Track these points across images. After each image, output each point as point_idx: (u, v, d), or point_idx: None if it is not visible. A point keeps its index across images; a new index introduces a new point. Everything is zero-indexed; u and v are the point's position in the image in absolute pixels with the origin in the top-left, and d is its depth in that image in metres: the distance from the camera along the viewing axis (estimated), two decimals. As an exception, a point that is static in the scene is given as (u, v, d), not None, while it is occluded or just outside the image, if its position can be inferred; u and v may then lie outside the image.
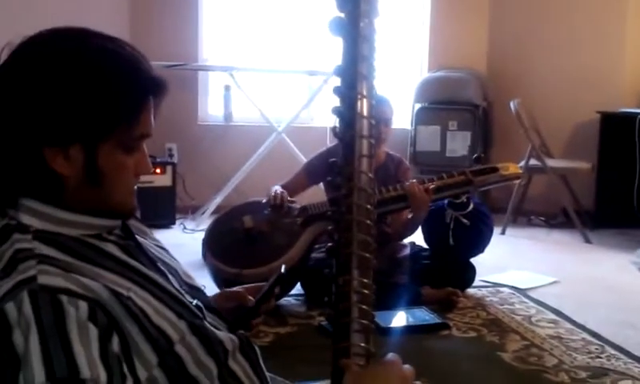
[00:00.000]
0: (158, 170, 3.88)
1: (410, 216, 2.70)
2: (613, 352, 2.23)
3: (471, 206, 2.83)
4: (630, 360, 2.16)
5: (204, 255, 2.53)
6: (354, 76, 1.18)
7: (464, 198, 2.78)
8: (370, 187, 1.17)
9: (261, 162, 4.11)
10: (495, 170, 2.80)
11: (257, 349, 1.11)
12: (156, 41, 4.22)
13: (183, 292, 1.03)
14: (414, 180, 2.65)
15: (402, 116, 4.72)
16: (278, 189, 2.66)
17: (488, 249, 3.00)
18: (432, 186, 2.60)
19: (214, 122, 4.57)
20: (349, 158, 1.17)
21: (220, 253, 2.45)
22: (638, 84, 4.55)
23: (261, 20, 4.62)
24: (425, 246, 2.94)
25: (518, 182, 3.05)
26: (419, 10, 4.86)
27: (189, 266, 3.03)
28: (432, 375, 1.95)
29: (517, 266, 3.37)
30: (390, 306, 2.50)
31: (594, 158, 4.38)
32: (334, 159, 1.18)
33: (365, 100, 1.18)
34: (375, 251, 1.14)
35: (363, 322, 1.06)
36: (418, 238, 2.95)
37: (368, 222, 1.14)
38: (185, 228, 3.96)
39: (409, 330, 2.35)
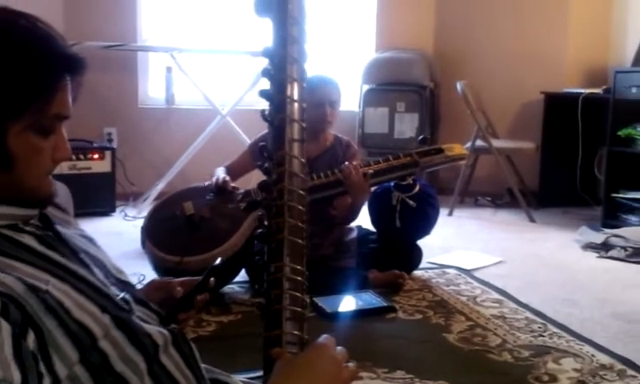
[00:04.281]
0: (96, 156, 3.75)
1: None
2: (555, 330, 2.25)
3: (417, 188, 2.82)
4: (571, 338, 2.18)
5: (143, 243, 2.45)
6: (283, 58, 1.13)
7: (410, 180, 2.77)
8: (302, 172, 1.13)
9: (205, 146, 4.02)
10: (441, 151, 2.80)
11: (191, 343, 1.07)
12: (92, 20, 4.07)
13: (109, 284, 0.98)
14: (355, 163, 2.62)
15: (350, 98, 4.70)
16: (220, 173, 2.59)
17: (435, 230, 3.01)
18: (371, 170, 2.58)
19: (156, 104, 4.44)
20: (279, 143, 1.13)
21: (160, 241, 2.37)
22: (580, 64, 4.63)
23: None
24: (372, 228, 2.93)
25: (463, 162, 3.07)
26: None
27: (129, 254, 2.96)
28: (377, 359, 1.94)
29: (463, 246, 3.39)
30: (336, 290, 2.48)
31: (539, 138, 4.44)
32: (263, 143, 1.13)
33: (295, 83, 1.14)
34: (308, 237, 1.11)
35: (295, 309, 1.02)
36: (365, 220, 2.93)
37: (300, 207, 1.10)
38: (126, 215, 3.84)
39: (355, 314, 2.33)
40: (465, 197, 4.53)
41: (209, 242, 2.29)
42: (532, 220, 4.04)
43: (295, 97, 1.15)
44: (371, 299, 2.43)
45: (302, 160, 1.14)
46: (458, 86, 4.22)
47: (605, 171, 3.96)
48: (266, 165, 1.11)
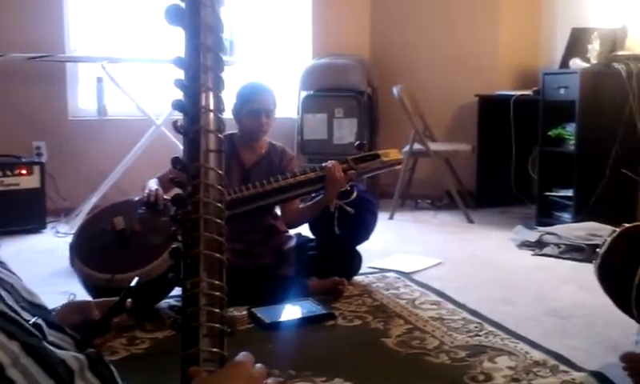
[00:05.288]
0: (23, 171, 3.62)
1: (301, 205, 2.68)
2: (491, 329, 2.28)
3: (355, 194, 2.83)
4: (506, 336, 2.22)
5: (72, 261, 2.36)
6: (197, 68, 1.10)
7: (348, 186, 2.77)
8: (219, 184, 1.10)
9: (140, 157, 3.93)
10: (376, 156, 2.81)
11: (110, 366, 1.03)
12: (17, 31, 3.92)
13: (19, 309, 0.93)
14: (334, 161, 2.65)
15: (288, 105, 4.69)
16: (153, 185, 2.53)
17: (375, 234, 3.02)
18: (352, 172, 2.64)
19: (87, 116, 4.32)
20: (194, 154, 1.10)
21: (89, 258, 2.29)
22: (511, 67, 4.76)
23: (133, 8, 4.41)
24: (311, 236, 2.92)
25: (399, 167, 3.09)
26: (302, -2, 4.83)
27: (60, 272, 2.86)
28: (316, 368, 1.93)
29: (404, 250, 3.42)
30: (276, 299, 2.45)
31: (475, 140, 4.54)
32: (175, 156, 1.10)
33: (211, 92, 1.11)
34: (227, 250, 1.08)
35: (213, 325, 0.99)
36: (304, 228, 2.92)
37: (217, 220, 1.07)
38: (57, 232, 3.72)
39: (294, 323, 2.31)
40: (405, 200, 4.58)
41: (141, 258, 2.23)
42: (470, 221, 4.11)
43: (211, 107, 1.12)
44: (311, 307, 2.41)
45: (220, 171, 1.12)
46: (395, 91, 4.26)
47: (537, 171, 4.07)
48: (178, 178, 1.07)
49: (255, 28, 4.73)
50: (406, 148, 4.25)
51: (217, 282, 1.04)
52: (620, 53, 3.85)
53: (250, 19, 4.70)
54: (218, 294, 1.03)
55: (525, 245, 3.49)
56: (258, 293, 2.46)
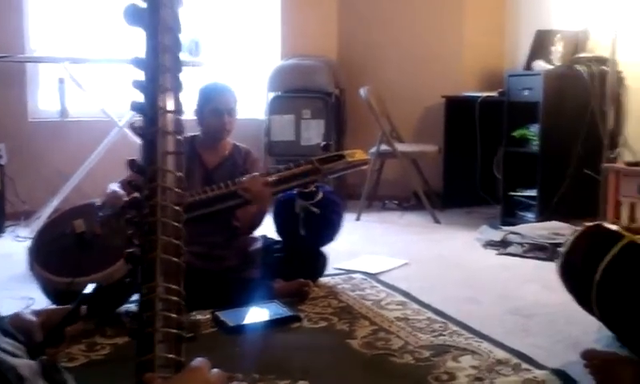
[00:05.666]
0: (-18, 174, 3.53)
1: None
2: (455, 328, 2.30)
3: (320, 195, 2.82)
4: (470, 335, 2.24)
5: (30, 265, 2.31)
6: (155, 68, 1.08)
7: (313, 187, 2.77)
8: (177, 186, 1.09)
9: (102, 160, 3.86)
10: (342, 157, 2.81)
11: (65, 372, 1.01)
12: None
13: (-29, 318, 0.91)
14: (256, 171, 2.60)
15: (256, 106, 4.67)
16: (115, 188, 2.49)
17: (342, 236, 3.02)
18: (273, 178, 2.56)
19: (48, 117, 4.21)
20: (151, 157, 1.08)
21: (49, 262, 2.24)
22: (477, 69, 4.81)
23: (96, 7, 4.33)
24: (277, 237, 2.90)
25: (365, 167, 3.10)
26: (269, -1, 4.81)
27: (19, 277, 2.79)
28: (280, 371, 1.92)
29: (371, 250, 3.43)
30: (241, 302, 2.43)
31: (441, 141, 4.57)
32: (132, 158, 1.08)
33: (169, 93, 1.10)
34: (187, 254, 1.07)
35: (169, 330, 0.98)
36: (269, 230, 2.90)
37: (175, 223, 1.06)
38: (17, 236, 3.63)
39: (259, 326, 2.29)
40: (373, 201, 4.60)
41: (102, 261, 2.19)
42: (437, 221, 4.14)
43: (169, 108, 1.10)
44: (276, 310, 2.40)
45: (178, 174, 1.10)
46: (362, 92, 4.27)
47: (502, 171, 4.13)
48: (135, 181, 1.06)
49: (222, 29, 4.70)
50: (373, 149, 4.26)
51: (174, 287, 1.02)
52: (582, 55, 3.93)
53: (217, 20, 4.67)
54: (175, 298, 1.02)
55: (490, 244, 3.53)
56: (223, 296, 2.44)
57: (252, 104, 4.64)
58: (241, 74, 4.68)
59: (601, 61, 3.83)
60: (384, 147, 4.26)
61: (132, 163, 1.07)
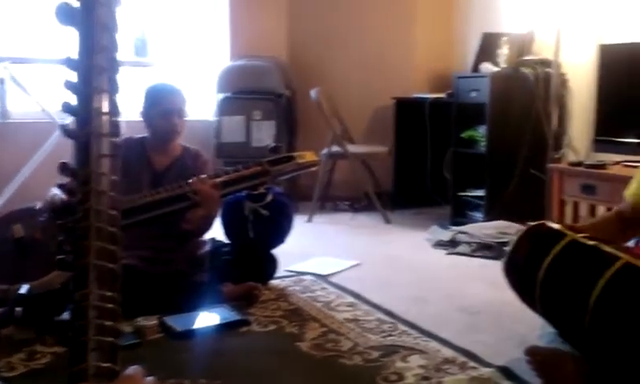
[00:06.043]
0: None
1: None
2: (404, 328, 2.32)
3: (270, 197, 2.81)
4: (419, 335, 2.25)
5: (-35, 273, 2.22)
6: (88, 69, 1.05)
7: (262, 189, 2.75)
8: (112, 190, 1.06)
9: (45, 162, 3.74)
10: (291, 158, 2.79)
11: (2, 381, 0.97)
12: None
13: None
14: (204, 174, 2.56)
15: (205, 107, 4.61)
16: (56, 191, 2.42)
17: (293, 238, 3.01)
18: (221, 180, 2.53)
19: (-12, 119, 4.08)
20: (84, 160, 1.05)
21: (-15, 268, 2.17)
22: (426, 71, 4.87)
23: (37, 6, 4.20)
24: (225, 240, 2.87)
25: (316, 169, 3.09)
26: (218, -1, 4.76)
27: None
28: (227, 376, 1.89)
29: (322, 252, 3.42)
30: (190, 307, 2.39)
31: (392, 142, 4.61)
32: (64, 161, 1.05)
33: (104, 94, 1.07)
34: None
35: (103, 339, 0.95)
36: (218, 232, 2.87)
37: (110, 228, 1.03)
38: (-45, 242, 3.49)
39: (207, 330, 2.26)
40: (324, 202, 4.60)
41: (42, 267, 2.12)
42: (387, 222, 4.17)
43: (104, 109, 1.07)
44: (225, 314, 2.37)
45: (113, 177, 1.07)
46: (313, 93, 4.27)
47: (451, 172, 4.18)
48: (68, 185, 1.03)
49: (170, 28, 4.63)
50: (325, 150, 4.27)
51: (108, 294, 0.99)
52: (527, 57, 4.01)
53: (166, 19, 4.59)
54: (109, 305, 0.99)
55: (439, 244, 3.57)
56: (171, 300, 2.40)
57: (201, 105, 4.58)
58: (189, 74, 4.62)
59: (545, 63, 3.92)
60: (335, 148, 4.27)
61: (63, 166, 1.04)
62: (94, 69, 1.08)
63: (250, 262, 2.74)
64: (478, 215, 3.94)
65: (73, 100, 1.08)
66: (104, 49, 1.08)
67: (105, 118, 1.08)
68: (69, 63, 1.07)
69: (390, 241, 3.76)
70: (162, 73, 4.38)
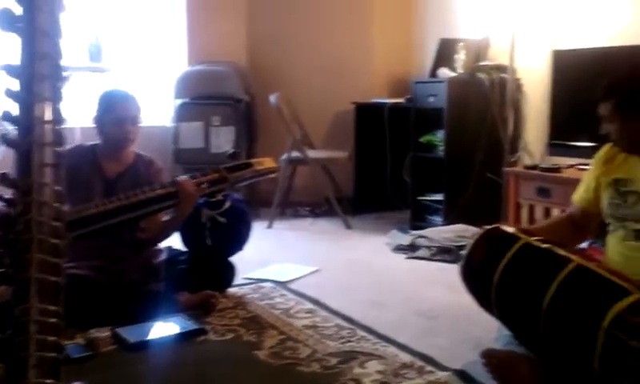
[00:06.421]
0: None
1: (165, 218, 2.58)
2: (363, 334, 2.31)
3: (228, 204, 2.78)
4: (377, 340, 2.26)
5: None
6: (30, 77, 1.03)
7: (220, 196, 2.72)
8: (55, 201, 1.03)
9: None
10: (249, 165, 2.77)
11: None
12: None
13: None
14: (184, 176, 2.54)
15: (162, 113, 4.56)
16: None
17: (253, 244, 2.99)
18: (203, 184, 2.52)
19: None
20: (26, 169, 1.02)
21: None
22: (386, 76, 4.90)
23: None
24: (182, 248, 2.83)
25: (274, 175, 3.07)
26: (175, 2, 4.70)
27: None
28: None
29: (282, 258, 3.40)
30: (145, 317, 2.34)
31: (352, 147, 4.62)
32: (3, 172, 1.02)
33: (46, 102, 1.04)
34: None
35: (45, 354, 0.92)
36: (174, 240, 2.82)
37: (54, 240, 1.00)
38: None
39: (162, 341, 2.21)
40: (285, 208, 4.58)
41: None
42: (348, 227, 4.18)
43: (46, 118, 1.04)
44: (180, 323, 2.33)
45: (57, 188, 1.04)
46: (272, 99, 4.25)
47: (411, 176, 4.22)
48: (8, 195, 1.00)
49: (126, 33, 4.55)
50: (285, 156, 4.25)
51: (50, 308, 0.97)
52: (483, 63, 4.08)
53: (121, 24, 4.52)
54: (51, 320, 0.96)
55: (399, 249, 3.59)
56: (125, 311, 2.34)
57: (158, 111, 4.52)
58: (146, 79, 4.56)
59: (501, 68, 3.99)
60: (295, 154, 4.26)
61: (3, 177, 1.01)
62: (36, 76, 1.05)
63: (207, 270, 2.71)
64: (438, 219, 3.97)
65: (14, 108, 1.06)
66: (46, 56, 1.05)
67: (47, 126, 1.06)
68: (9, 70, 1.05)
69: (351, 246, 3.76)
70: (118, 78, 4.31)
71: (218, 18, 4.77)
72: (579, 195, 2.19)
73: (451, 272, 2.97)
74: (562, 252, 1.86)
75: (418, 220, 4.10)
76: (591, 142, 3.36)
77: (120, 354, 2.11)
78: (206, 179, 2.64)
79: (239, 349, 2.19)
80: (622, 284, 1.70)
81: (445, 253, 3.39)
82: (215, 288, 2.63)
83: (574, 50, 3.50)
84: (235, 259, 2.87)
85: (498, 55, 4.11)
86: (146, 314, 2.36)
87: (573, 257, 1.82)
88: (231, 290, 2.79)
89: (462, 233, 3.47)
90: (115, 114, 2.60)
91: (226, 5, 4.85)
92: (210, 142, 4.41)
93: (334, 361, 2.07)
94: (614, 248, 2.03)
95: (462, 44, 4.09)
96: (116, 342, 2.18)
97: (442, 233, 3.56)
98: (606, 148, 2.12)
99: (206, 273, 2.69)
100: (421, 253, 3.47)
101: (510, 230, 2.15)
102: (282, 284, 2.93)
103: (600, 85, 1.97)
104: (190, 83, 4.51)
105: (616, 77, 1.97)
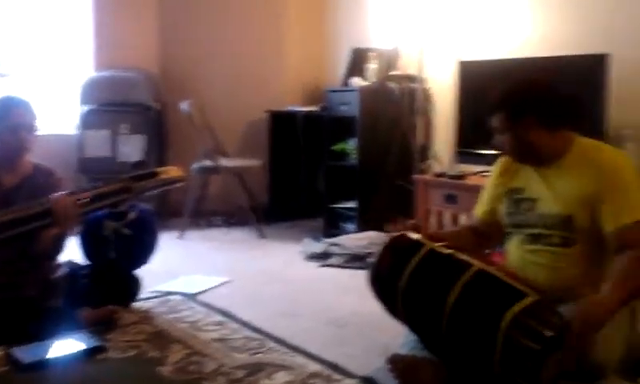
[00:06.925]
0: None
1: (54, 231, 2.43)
2: (272, 345, 2.28)
3: (133, 215, 2.68)
4: (287, 350, 2.23)
5: None
6: None
7: (125, 207, 2.62)
8: None
9: None
10: (155, 174, 2.67)
11: None
12: None
13: None
14: (62, 192, 2.39)
15: (67, 120, 4.37)
16: None
17: (162, 256, 2.90)
18: (80, 198, 2.37)
19: None
20: None
21: None
22: (300, 84, 4.91)
23: None
24: (85, 262, 2.70)
25: (181, 184, 2.98)
26: (81, 5, 4.52)
27: None
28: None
29: (192, 270, 3.31)
30: (42, 335, 2.21)
31: (266, 155, 4.59)
32: None
33: None
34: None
35: None
36: (76, 254, 2.69)
37: None
38: None
39: (59, 360, 2.09)
40: (198, 218, 4.48)
41: None
42: (262, 236, 4.13)
43: None
44: (80, 341, 2.21)
45: None
46: (183, 106, 4.16)
47: (324, 184, 4.22)
48: None
49: (29, 37, 4.34)
50: (196, 165, 4.17)
51: None
52: (394, 72, 4.15)
53: (24, 27, 4.30)
54: None
55: (312, 257, 3.58)
56: (21, 329, 2.21)
57: (62, 118, 4.32)
58: (49, 85, 4.35)
59: (411, 78, 4.07)
60: (207, 162, 4.18)
61: None
62: None
63: (110, 284, 2.59)
64: (351, 226, 4.00)
65: None
66: None
67: None
68: None
69: (264, 255, 3.72)
70: (17, 84, 4.10)
71: (126, 24, 4.63)
72: (479, 208, 2.24)
73: (363, 279, 2.96)
74: (463, 257, 1.89)
75: (332, 228, 4.11)
76: (496, 150, 3.49)
77: (13, 376, 1.98)
78: (109, 189, 2.52)
79: (142, 366, 2.10)
80: (520, 287, 1.75)
81: (357, 260, 3.41)
82: (119, 302, 2.53)
83: (479, 61, 3.62)
84: (142, 272, 2.76)
85: (408, 65, 4.19)
86: (44, 332, 2.23)
87: (474, 262, 1.86)
88: (136, 304, 2.68)
89: (374, 240, 3.50)
90: (10, 120, 2.45)
91: (136, 9, 4.71)
92: (117, 151, 4.26)
93: (240, 373, 2.02)
94: (513, 253, 2.09)
95: (373, 54, 4.15)
96: (9, 362, 2.04)
97: (355, 240, 3.58)
98: (502, 159, 2.19)
99: (109, 287, 2.57)
100: (333, 261, 3.47)
101: (415, 236, 2.18)
102: (191, 296, 2.85)
103: (490, 97, 2.02)
104: (97, 89, 4.34)
105: (505, 89, 2.02)
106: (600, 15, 3.26)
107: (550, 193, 1.98)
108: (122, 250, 2.62)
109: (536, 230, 1.99)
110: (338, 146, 4.14)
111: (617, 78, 2.94)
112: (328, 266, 3.44)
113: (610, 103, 2.94)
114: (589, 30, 3.27)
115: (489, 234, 2.23)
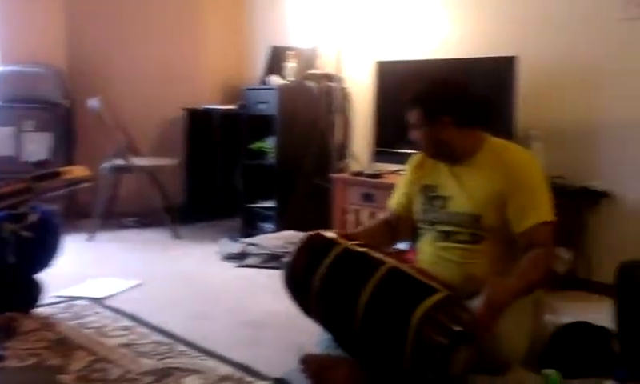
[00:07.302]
0: None
1: None
2: (183, 348, 2.20)
3: (35, 217, 2.52)
4: (197, 354, 2.15)
5: None
6: None
7: (25, 208, 2.46)
8: None
9: None
10: (57, 174, 2.52)
11: None
12: None
13: None
14: None
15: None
16: None
17: (69, 259, 2.76)
18: None
19: None
20: None
21: None
22: (218, 82, 4.82)
23: None
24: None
25: (88, 184, 2.84)
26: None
27: None
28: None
29: (101, 273, 3.16)
30: None
31: (182, 154, 4.47)
32: None
33: None
34: None
35: None
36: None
37: None
38: None
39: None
40: (109, 219, 4.30)
41: None
42: (177, 237, 4.02)
43: None
44: (-27, 351, 2.07)
45: None
46: (92, 103, 3.98)
47: (242, 183, 4.15)
48: None
49: None
50: (106, 164, 4.00)
51: None
52: (312, 71, 4.13)
53: None
54: None
55: (229, 257, 3.50)
56: None
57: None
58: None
59: (329, 77, 4.07)
60: (118, 161, 4.02)
61: None
62: None
63: (9, 289, 2.43)
64: (269, 226, 3.95)
65: None
66: None
67: None
68: None
69: (178, 256, 3.61)
70: None
71: (32, 18, 4.38)
72: (394, 201, 2.25)
73: (279, 279, 2.94)
74: (376, 255, 1.89)
75: (250, 227, 4.05)
76: (412, 149, 3.52)
77: None
78: (8, 190, 2.36)
79: (41, 374, 1.98)
80: (430, 283, 1.76)
81: (274, 260, 3.36)
82: (19, 309, 2.38)
83: (396, 62, 3.65)
84: (46, 276, 2.61)
85: (326, 64, 4.18)
86: None
87: (387, 259, 1.85)
88: (38, 310, 2.53)
89: (292, 239, 3.45)
90: None
91: (42, 2, 4.47)
92: (22, 149, 4.03)
93: (148, 379, 1.94)
94: (426, 250, 2.10)
95: (292, 52, 4.12)
96: None
97: (272, 240, 3.53)
98: (417, 155, 2.20)
99: (8, 293, 2.41)
100: (251, 261, 3.42)
101: (329, 235, 2.15)
102: (98, 301, 2.72)
103: (406, 94, 2.04)
104: (2, 84, 4.10)
105: (424, 87, 2.04)
106: (510, 18, 3.35)
107: (461, 191, 2.00)
108: (21, 253, 2.46)
109: (447, 228, 2.01)
110: (255, 145, 4.09)
111: (524, 79, 3.03)
112: (245, 266, 3.38)
113: (518, 104, 3.03)
114: (499, 33, 3.37)
115: (400, 228, 2.24)
